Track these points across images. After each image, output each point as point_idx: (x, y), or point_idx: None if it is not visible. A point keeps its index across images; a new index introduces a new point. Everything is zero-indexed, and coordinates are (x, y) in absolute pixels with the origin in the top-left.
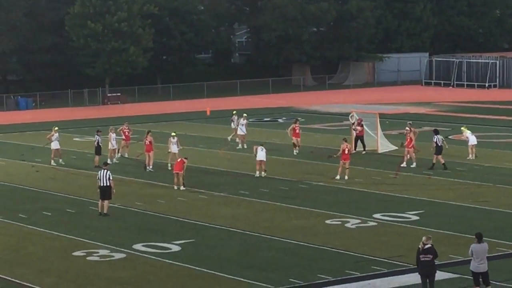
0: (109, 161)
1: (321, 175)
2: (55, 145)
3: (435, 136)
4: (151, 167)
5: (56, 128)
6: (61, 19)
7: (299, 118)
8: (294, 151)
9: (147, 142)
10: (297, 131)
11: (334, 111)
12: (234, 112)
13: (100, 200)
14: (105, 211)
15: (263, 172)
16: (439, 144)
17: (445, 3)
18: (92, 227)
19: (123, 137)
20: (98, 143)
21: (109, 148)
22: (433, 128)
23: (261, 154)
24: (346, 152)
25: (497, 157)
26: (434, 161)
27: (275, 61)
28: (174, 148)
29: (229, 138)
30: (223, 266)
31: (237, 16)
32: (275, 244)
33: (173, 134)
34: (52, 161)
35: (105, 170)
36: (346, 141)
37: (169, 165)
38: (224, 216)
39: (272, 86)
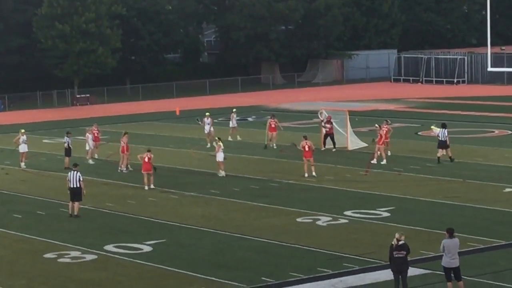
0: (91, 161)
1: (291, 173)
2: (22, 148)
3: (442, 129)
4: (125, 168)
5: (23, 131)
6: (28, 21)
7: (274, 114)
8: (270, 144)
9: (123, 143)
10: (273, 125)
11: (303, 109)
12: (234, 110)
13: (71, 202)
14: (75, 213)
15: (223, 172)
16: (442, 139)
17: None
18: (63, 229)
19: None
20: (68, 145)
21: (86, 149)
22: (441, 123)
23: (220, 155)
24: (307, 149)
25: (466, 152)
26: (449, 155)
27: (244, 60)
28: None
29: (230, 138)
30: (194, 266)
31: (205, 15)
32: (246, 243)
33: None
34: (22, 163)
35: (75, 172)
36: (306, 138)
37: (128, 166)
38: (195, 215)
39: (241, 85)
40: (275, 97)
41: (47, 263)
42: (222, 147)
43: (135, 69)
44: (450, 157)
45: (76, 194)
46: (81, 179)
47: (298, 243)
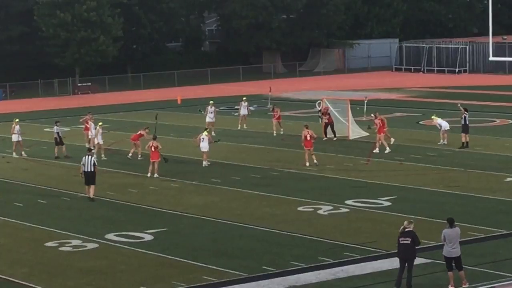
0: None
1: (293, 162)
2: (15, 137)
3: (466, 114)
4: (130, 155)
5: (17, 120)
6: (29, 9)
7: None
8: (274, 133)
9: (143, 133)
10: (277, 115)
11: (305, 98)
12: (244, 98)
13: (86, 186)
14: (91, 196)
15: (206, 162)
16: (467, 123)
17: None
18: (64, 218)
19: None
20: (58, 134)
21: (89, 137)
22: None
23: (204, 145)
24: (308, 138)
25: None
26: (463, 140)
27: (246, 49)
28: (99, 139)
29: (239, 127)
30: (195, 255)
31: (206, 4)
32: (247, 231)
33: (100, 124)
34: (22, 152)
35: (90, 156)
36: (307, 127)
37: (102, 155)
38: (196, 204)
39: (242, 74)
40: (276, 86)
41: (48, 252)
42: (206, 133)
43: (137, 57)
44: (463, 143)
45: (90, 178)
46: (95, 164)
47: (299, 232)
